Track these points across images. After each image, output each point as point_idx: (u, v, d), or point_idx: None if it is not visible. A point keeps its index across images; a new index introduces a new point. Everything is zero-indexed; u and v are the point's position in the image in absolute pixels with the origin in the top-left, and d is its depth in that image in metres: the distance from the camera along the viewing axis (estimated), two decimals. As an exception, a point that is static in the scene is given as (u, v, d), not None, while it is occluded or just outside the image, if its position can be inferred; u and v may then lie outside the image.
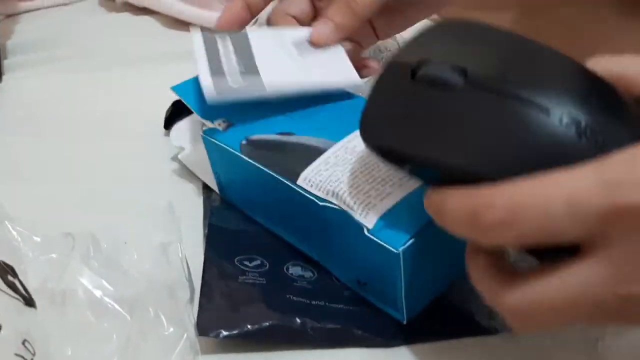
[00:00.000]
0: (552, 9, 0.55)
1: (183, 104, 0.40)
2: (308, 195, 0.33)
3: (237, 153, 0.36)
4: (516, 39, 0.27)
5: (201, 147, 0.39)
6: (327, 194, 0.32)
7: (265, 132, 0.36)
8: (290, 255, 0.36)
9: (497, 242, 0.23)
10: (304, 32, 0.41)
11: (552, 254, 0.23)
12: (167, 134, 0.46)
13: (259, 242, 0.37)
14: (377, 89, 0.29)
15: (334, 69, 0.40)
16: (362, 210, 0.31)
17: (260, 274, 0.35)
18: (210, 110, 0.38)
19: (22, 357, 0.29)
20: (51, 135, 0.48)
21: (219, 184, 0.40)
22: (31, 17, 0.65)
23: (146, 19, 0.63)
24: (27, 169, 0.45)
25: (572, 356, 0.32)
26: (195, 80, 0.41)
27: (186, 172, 0.43)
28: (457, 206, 0.24)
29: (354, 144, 0.34)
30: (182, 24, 0.60)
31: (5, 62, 0.56)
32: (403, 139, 0.26)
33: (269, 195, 0.36)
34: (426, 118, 0.26)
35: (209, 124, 0.38)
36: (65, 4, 0.67)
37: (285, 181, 0.34)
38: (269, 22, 0.44)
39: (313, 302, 0.33)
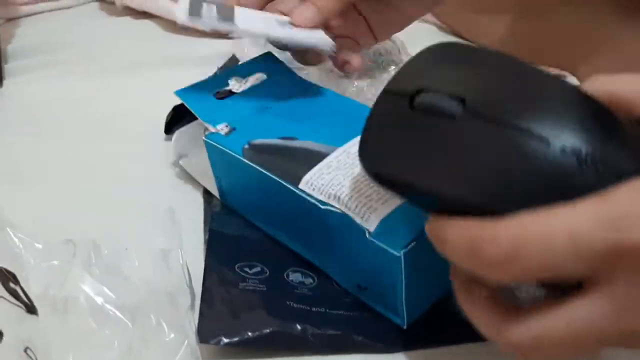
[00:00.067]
0: (550, 10, 0.55)
1: (184, 108, 0.40)
2: (310, 199, 0.33)
3: (239, 157, 0.36)
4: (510, 62, 0.27)
5: (202, 153, 0.39)
6: (329, 197, 0.32)
7: (268, 136, 0.37)
8: (290, 261, 0.36)
9: (499, 277, 0.23)
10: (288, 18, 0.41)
11: (556, 285, 0.23)
12: (168, 138, 0.46)
13: (259, 249, 0.37)
14: (375, 116, 0.29)
15: (308, 33, 0.40)
16: (363, 214, 0.31)
17: (260, 281, 0.35)
18: (212, 115, 0.38)
19: (24, 364, 0.29)
20: (52, 138, 0.48)
21: (220, 188, 0.40)
22: (32, 21, 0.65)
23: (146, 23, 0.63)
24: (28, 172, 0.45)
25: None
26: (199, 85, 0.41)
27: (187, 177, 0.43)
28: (458, 238, 0.24)
29: (355, 149, 0.34)
30: (183, 29, 0.60)
31: (7, 67, 0.56)
32: (402, 168, 0.26)
33: (270, 199, 0.36)
34: (425, 147, 0.26)
35: (212, 128, 0.38)
36: (66, 8, 0.67)
37: (287, 185, 0.34)
38: None
39: (313, 309, 0.33)
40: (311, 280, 0.35)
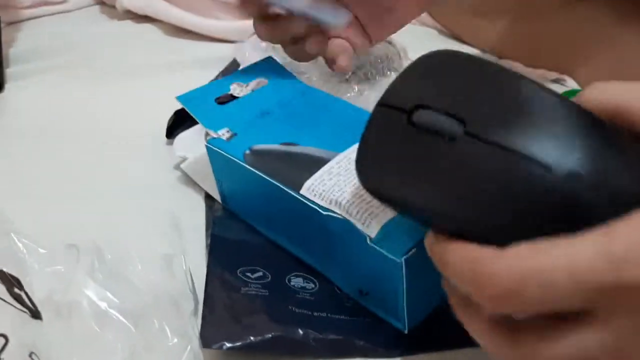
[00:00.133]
0: (549, 12, 0.55)
1: (185, 112, 0.40)
2: (311, 205, 0.33)
3: (240, 162, 0.36)
4: (508, 76, 0.26)
5: (204, 157, 0.39)
6: (330, 203, 0.32)
7: (269, 141, 0.37)
8: (292, 266, 0.36)
9: (499, 310, 0.23)
10: None
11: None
12: (169, 143, 0.46)
13: (261, 253, 0.37)
14: (373, 130, 0.28)
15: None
16: (364, 220, 0.31)
17: (262, 286, 0.35)
18: (214, 120, 0.39)
19: (29, 369, 0.29)
20: (54, 142, 0.48)
21: (221, 193, 0.41)
22: (33, 25, 0.65)
23: (148, 27, 0.63)
24: (29, 176, 0.45)
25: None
26: (200, 90, 0.42)
27: (188, 181, 0.43)
28: (460, 263, 0.24)
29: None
30: (184, 32, 0.60)
31: (8, 71, 0.57)
32: (399, 187, 0.26)
33: (272, 204, 0.36)
34: (423, 167, 0.26)
35: (213, 134, 0.38)
36: (67, 12, 0.67)
37: (289, 190, 0.34)
38: None
39: (315, 314, 0.33)
40: (313, 285, 0.35)
